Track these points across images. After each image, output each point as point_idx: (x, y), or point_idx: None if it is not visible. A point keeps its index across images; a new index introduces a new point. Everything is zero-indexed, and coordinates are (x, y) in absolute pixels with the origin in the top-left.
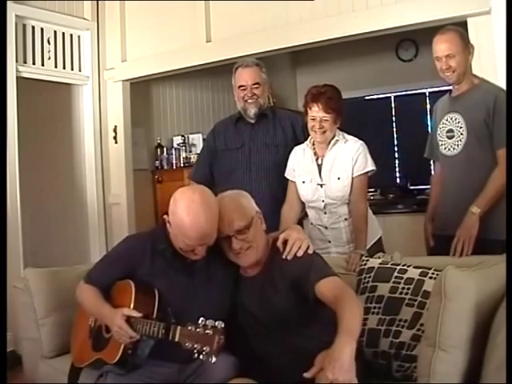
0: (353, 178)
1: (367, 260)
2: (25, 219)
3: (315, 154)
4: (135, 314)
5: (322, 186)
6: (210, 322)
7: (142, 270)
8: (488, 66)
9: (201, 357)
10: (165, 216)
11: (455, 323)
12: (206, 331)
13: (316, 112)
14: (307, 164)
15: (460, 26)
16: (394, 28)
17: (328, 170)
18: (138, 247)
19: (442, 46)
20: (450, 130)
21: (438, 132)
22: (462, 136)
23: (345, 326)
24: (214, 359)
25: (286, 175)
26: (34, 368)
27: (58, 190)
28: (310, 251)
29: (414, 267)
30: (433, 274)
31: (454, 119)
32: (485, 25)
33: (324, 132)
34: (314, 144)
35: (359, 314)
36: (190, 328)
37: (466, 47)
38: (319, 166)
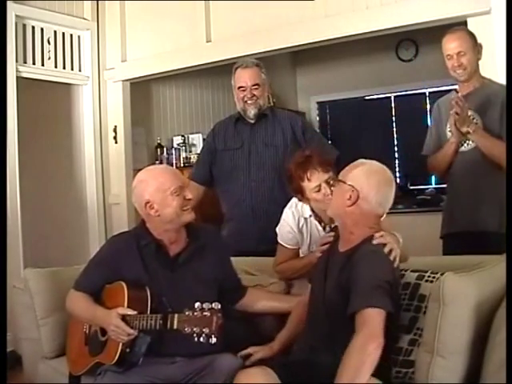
0: None
1: None
2: (25, 219)
3: (320, 222)
4: (130, 311)
5: None
6: (206, 305)
7: (130, 268)
8: (488, 66)
9: (201, 339)
10: (146, 207)
11: (454, 330)
12: (204, 313)
13: (319, 179)
14: (314, 235)
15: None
16: (394, 28)
17: None
18: (123, 247)
19: (453, 44)
20: None
21: (450, 129)
22: None
23: None
24: (214, 340)
25: (280, 241)
26: (33, 368)
27: (57, 190)
28: None
29: (411, 271)
30: (429, 276)
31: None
32: (485, 25)
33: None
34: (314, 212)
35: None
36: (187, 313)
37: (475, 46)
38: None
